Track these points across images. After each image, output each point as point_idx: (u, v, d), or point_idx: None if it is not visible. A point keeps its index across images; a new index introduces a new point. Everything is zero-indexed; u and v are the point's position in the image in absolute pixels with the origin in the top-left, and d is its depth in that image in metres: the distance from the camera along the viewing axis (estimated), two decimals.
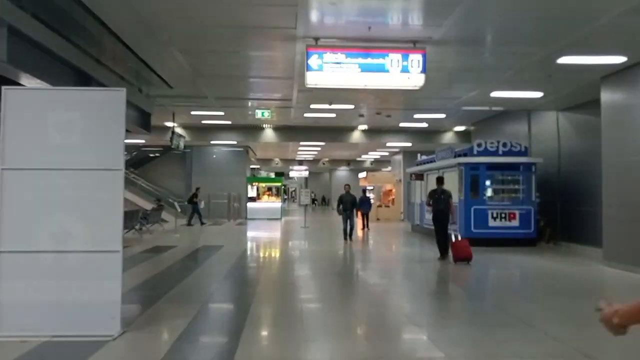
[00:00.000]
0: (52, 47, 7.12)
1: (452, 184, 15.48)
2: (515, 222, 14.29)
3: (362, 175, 35.45)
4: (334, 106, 15.01)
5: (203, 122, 20.59)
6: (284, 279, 9.40)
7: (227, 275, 9.74)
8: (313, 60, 8.05)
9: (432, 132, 22.67)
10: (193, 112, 17.94)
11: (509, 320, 6.31)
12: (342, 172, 46.30)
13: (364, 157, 37.00)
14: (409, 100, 14.98)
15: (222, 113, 18.13)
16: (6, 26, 6.03)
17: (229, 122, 20.74)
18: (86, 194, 5.43)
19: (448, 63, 10.02)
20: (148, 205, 22.71)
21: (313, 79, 8.16)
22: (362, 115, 18.38)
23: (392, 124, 20.43)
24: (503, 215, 14.27)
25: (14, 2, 6.20)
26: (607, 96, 10.98)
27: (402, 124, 20.56)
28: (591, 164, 13.83)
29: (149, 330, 5.69)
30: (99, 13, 7.73)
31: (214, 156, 27.33)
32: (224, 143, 25.23)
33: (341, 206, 15.35)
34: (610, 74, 10.53)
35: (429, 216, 14.36)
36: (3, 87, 5.30)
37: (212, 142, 24.62)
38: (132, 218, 17.26)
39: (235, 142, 24.72)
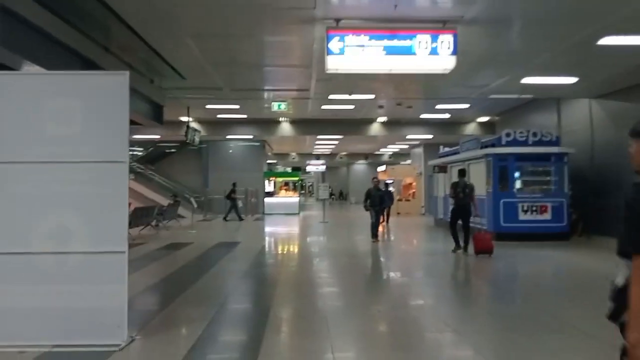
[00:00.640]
0: (53, 32, 6.63)
1: (479, 176, 14.79)
2: (547, 216, 13.55)
3: (381, 168, 34.77)
4: (353, 96, 14.37)
5: (219, 116, 20.10)
6: (304, 279, 8.84)
7: (244, 274, 9.22)
8: (334, 44, 7.43)
9: (454, 124, 21.89)
10: (208, 106, 17.45)
11: (555, 325, 5.66)
12: (360, 166, 45.62)
13: (382, 150, 36.28)
14: (431, 89, 14.28)
15: (237, 106, 17.62)
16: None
17: (245, 116, 20.24)
18: (87, 189, 4.92)
19: (477, 46, 9.31)
20: (164, 201, 22.36)
21: (334, 64, 7.54)
22: (381, 107, 17.71)
23: (412, 115, 19.72)
24: (534, 208, 13.53)
25: None
26: None
27: (422, 115, 19.85)
28: (626, 154, 13.03)
29: (159, 338, 5.17)
30: None
31: (230, 151, 26.95)
32: (240, 137, 24.79)
33: (368, 201, 13.94)
34: None
35: None
36: None
37: (228, 136, 24.20)
38: (148, 214, 16.89)
39: (251, 137, 24.26)
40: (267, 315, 5.93)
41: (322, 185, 25.11)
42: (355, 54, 7.44)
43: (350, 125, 21.93)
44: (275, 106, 16.59)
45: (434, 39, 7.43)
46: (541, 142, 14.11)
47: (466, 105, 17.02)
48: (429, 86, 13.69)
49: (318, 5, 7.21)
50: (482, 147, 15.13)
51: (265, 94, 15.48)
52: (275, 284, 8.26)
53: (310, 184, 52.99)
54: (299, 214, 26.64)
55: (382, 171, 33.04)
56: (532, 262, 10.64)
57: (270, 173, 31.67)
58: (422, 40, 7.44)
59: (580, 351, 4.78)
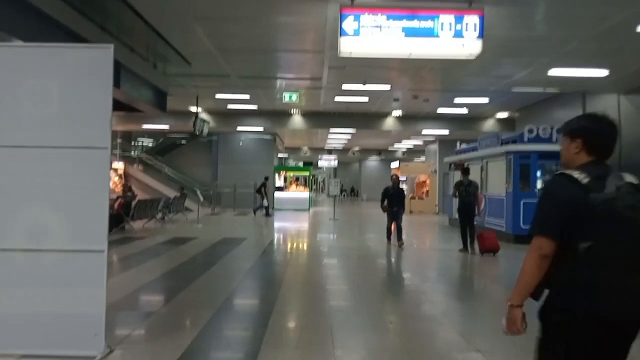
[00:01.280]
0: (44, 8, 6.03)
1: (498, 174, 14.04)
2: None
3: (394, 165, 34.02)
4: (367, 87, 13.67)
5: (229, 106, 19.53)
6: (309, 282, 8.18)
7: (245, 275, 8.59)
8: (348, 24, 6.76)
9: (471, 119, 21.09)
10: (218, 96, 16.87)
11: None
12: (372, 162, 44.85)
13: (396, 146, 35.51)
14: (450, 80, 13.56)
15: (247, 96, 17.02)
16: None
17: (255, 107, 19.64)
18: (62, 179, 4.31)
19: (501, 31, 8.59)
20: (173, 194, 21.85)
21: (348, 47, 6.88)
22: (396, 100, 17.00)
23: (428, 109, 18.99)
24: None
25: None
26: None
27: (439, 110, 19.09)
28: None
29: (141, 349, 4.57)
30: None
31: (241, 143, 26.39)
32: (250, 130, 24.24)
33: (386, 201, 12.35)
34: None
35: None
36: None
37: (238, 128, 23.64)
38: (152, 207, 16.36)
39: (262, 129, 23.67)
40: (265, 325, 5.29)
41: (333, 181, 24.42)
42: (371, 36, 6.78)
43: (363, 118, 21.27)
44: (286, 97, 15.98)
45: (459, 20, 6.74)
46: None
47: (485, 100, 16.27)
48: (448, 76, 12.97)
49: None
50: (502, 144, 14.35)
51: (277, 83, 14.85)
52: (277, 288, 7.59)
53: (322, 179, 52.29)
54: (309, 210, 25.99)
55: (395, 168, 32.28)
56: None
57: (281, 167, 31.07)
58: (445, 22, 6.76)
59: None
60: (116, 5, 7.67)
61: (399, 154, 38.42)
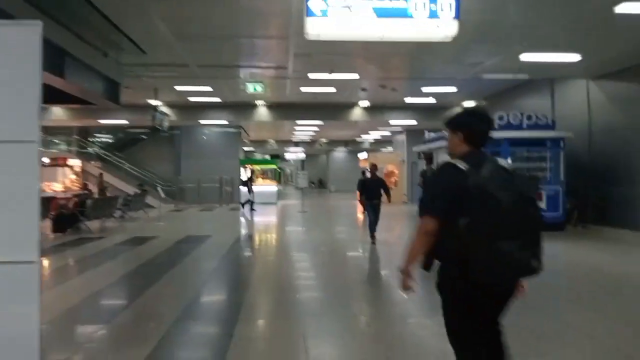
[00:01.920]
0: None
1: None
2: (541, 205, 12.59)
3: (362, 155, 33.70)
4: (334, 76, 13.14)
5: (190, 99, 18.69)
6: (279, 283, 7.64)
7: (209, 277, 8.00)
8: (315, 3, 6.21)
9: (439, 109, 20.71)
10: (178, 87, 16.05)
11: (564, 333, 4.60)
12: (340, 154, 44.47)
13: (363, 137, 35.16)
14: (420, 67, 13.17)
15: (209, 88, 16.27)
16: None
17: (219, 100, 18.89)
18: None
19: (474, 15, 8.16)
20: (133, 191, 20.91)
21: (315, 28, 6.31)
22: (364, 89, 16.55)
23: (396, 99, 18.63)
24: None
25: None
26: None
27: (407, 100, 18.77)
28: (629, 139, 12.20)
29: None
30: None
31: (204, 137, 25.59)
32: (214, 123, 23.46)
33: (364, 194, 11.16)
34: None
35: None
36: None
37: (201, 121, 22.84)
38: (110, 205, 15.51)
39: (226, 122, 22.92)
40: (231, 335, 4.75)
41: (300, 173, 23.92)
42: (340, 17, 6.23)
43: (331, 109, 20.79)
44: (250, 88, 15.33)
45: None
46: (536, 125, 13.18)
47: (454, 89, 15.99)
48: (418, 63, 12.56)
49: None
50: None
51: (240, 73, 14.17)
52: (244, 290, 7.00)
53: (289, 171, 51.67)
54: (277, 203, 25.42)
55: (364, 158, 31.99)
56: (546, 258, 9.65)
57: (247, 160, 30.35)
58: (419, 2, 6.26)
59: None
60: None
61: (366, 145, 38.14)
